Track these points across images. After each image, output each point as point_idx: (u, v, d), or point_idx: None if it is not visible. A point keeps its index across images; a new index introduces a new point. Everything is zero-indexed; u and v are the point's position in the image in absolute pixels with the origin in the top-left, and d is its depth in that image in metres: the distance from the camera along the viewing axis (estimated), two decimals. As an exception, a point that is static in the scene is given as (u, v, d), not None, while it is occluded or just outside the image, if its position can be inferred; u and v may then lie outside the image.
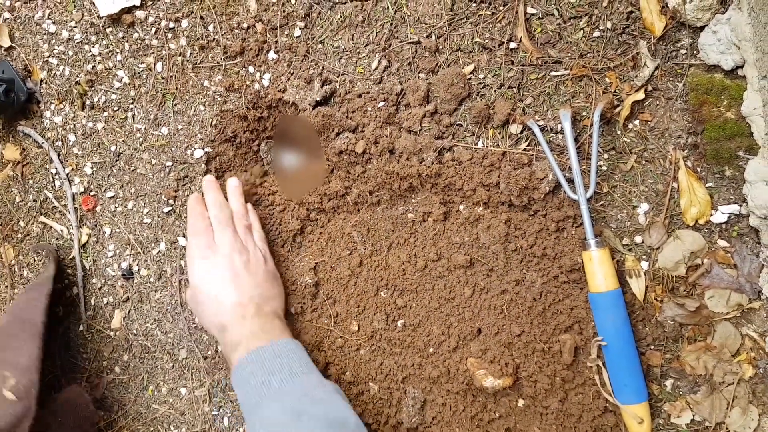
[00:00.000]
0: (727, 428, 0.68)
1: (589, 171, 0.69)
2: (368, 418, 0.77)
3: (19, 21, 0.87)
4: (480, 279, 0.75)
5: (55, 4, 0.85)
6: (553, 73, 0.71)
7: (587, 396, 0.72)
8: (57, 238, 0.89)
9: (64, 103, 0.87)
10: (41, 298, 0.80)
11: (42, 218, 0.90)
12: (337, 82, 0.77)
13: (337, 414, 0.61)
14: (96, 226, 0.87)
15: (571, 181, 0.70)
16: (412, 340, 0.76)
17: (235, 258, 0.72)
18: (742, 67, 0.64)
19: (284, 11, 0.77)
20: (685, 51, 0.68)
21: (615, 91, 0.70)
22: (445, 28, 0.73)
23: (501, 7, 0.71)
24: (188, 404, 0.85)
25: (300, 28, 0.77)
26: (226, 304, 0.70)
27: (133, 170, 0.85)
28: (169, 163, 0.83)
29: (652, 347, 0.71)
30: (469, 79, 0.73)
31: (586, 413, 0.72)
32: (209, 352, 0.84)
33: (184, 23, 0.80)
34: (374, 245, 0.78)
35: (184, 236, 0.84)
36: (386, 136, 0.75)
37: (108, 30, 0.83)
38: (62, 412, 0.80)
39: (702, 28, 0.66)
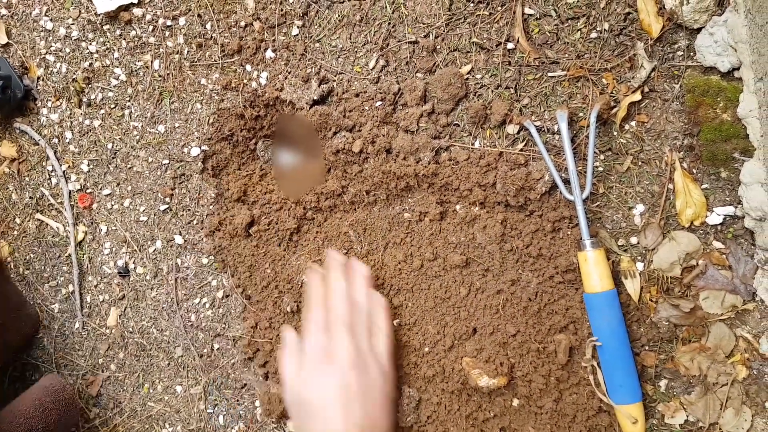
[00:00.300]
0: (720, 429, 0.69)
1: (586, 172, 0.70)
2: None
3: (16, 18, 0.87)
4: (476, 279, 0.75)
5: (52, 1, 0.85)
6: (550, 74, 0.71)
7: (582, 396, 0.72)
8: (53, 236, 0.89)
9: (60, 100, 0.86)
10: None
11: (38, 215, 0.90)
12: (334, 81, 0.77)
13: None
14: (92, 223, 0.87)
15: (567, 182, 0.70)
16: (408, 339, 0.77)
17: (352, 378, 0.63)
18: (738, 69, 0.64)
19: (282, 10, 0.77)
20: (682, 53, 0.68)
21: (612, 93, 0.70)
22: (442, 28, 0.73)
23: (498, 8, 0.71)
24: (184, 402, 0.85)
25: (298, 27, 0.77)
26: (329, 428, 0.63)
27: (129, 168, 0.85)
28: (166, 161, 0.83)
29: (647, 348, 0.71)
30: (467, 79, 0.73)
31: (581, 413, 0.72)
32: (205, 350, 0.84)
33: (182, 21, 0.80)
34: (371, 244, 0.78)
35: (180, 234, 0.84)
36: (383, 136, 0.75)
37: (105, 27, 0.83)
38: (42, 393, 0.80)
39: (699, 29, 0.66)
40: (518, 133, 0.73)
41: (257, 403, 0.83)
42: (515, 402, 0.74)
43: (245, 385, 0.83)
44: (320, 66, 0.77)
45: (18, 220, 0.91)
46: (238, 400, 0.84)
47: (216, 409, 0.84)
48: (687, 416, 0.70)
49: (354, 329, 0.67)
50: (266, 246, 0.80)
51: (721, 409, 0.69)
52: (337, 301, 0.68)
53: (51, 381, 0.82)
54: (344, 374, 0.64)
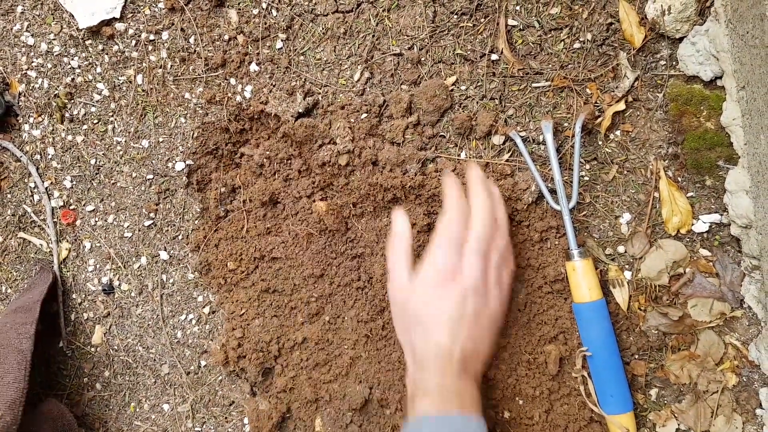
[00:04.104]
0: (711, 437, 0.69)
1: (572, 181, 0.70)
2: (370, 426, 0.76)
3: (-4, 33, 0.86)
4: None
5: (33, 17, 0.84)
6: (534, 85, 0.71)
7: (572, 407, 0.72)
8: (36, 253, 0.88)
9: (43, 116, 0.85)
10: (29, 324, 0.77)
11: (21, 233, 0.88)
12: (319, 93, 0.77)
13: None
14: (76, 240, 0.86)
15: (553, 192, 0.70)
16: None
17: (470, 299, 0.61)
18: (720, 77, 0.65)
19: (266, 23, 0.77)
20: (665, 62, 0.68)
21: (596, 102, 0.70)
22: (426, 40, 0.73)
23: (482, 19, 0.71)
24: (171, 420, 0.84)
25: (282, 40, 0.77)
26: (432, 341, 0.61)
27: (113, 183, 0.84)
28: (150, 176, 0.82)
29: (637, 357, 0.71)
30: (452, 90, 0.73)
31: (572, 424, 0.71)
32: (192, 368, 0.83)
33: (165, 35, 0.80)
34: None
35: (165, 250, 0.83)
36: (369, 148, 0.74)
37: (87, 42, 0.82)
38: (40, 422, 0.78)
39: (681, 39, 0.67)
40: (504, 143, 0.73)
41: (246, 420, 0.81)
42: (506, 414, 0.73)
43: (233, 402, 0.82)
44: (305, 79, 0.77)
45: (0, 238, 0.89)
46: (226, 418, 0.82)
47: (204, 427, 0.83)
48: (678, 425, 0.70)
49: (488, 255, 0.63)
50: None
51: (712, 416, 0.69)
52: (478, 221, 0.63)
53: (50, 407, 0.81)
54: (464, 294, 0.61)
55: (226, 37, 0.78)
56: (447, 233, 0.63)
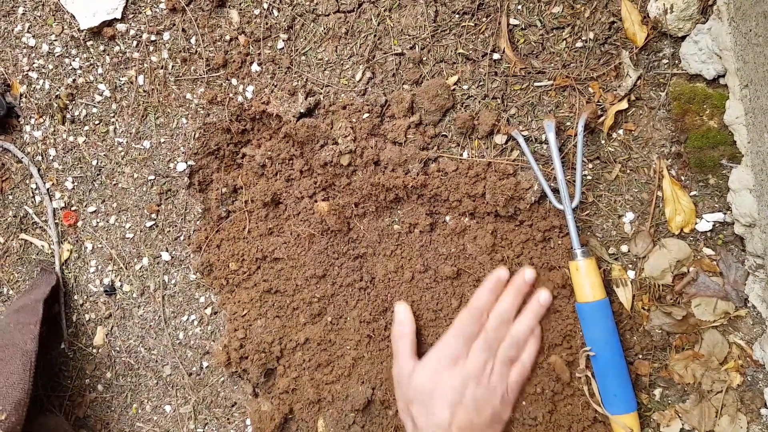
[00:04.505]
0: (716, 437, 0.68)
1: (574, 181, 0.69)
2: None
3: (-3, 34, 0.86)
4: (467, 290, 0.74)
5: (34, 18, 0.84)
6: (536, 84, 0.71)
7: (576, 407, 0.71)
8: (38, 254, 0.88)
9: (44, 117, 0.85)
10: (33, 324, 0.77)
11: (22, 235, 0.88)
12: (321, 93, 0.77)
13: None
14: (77, 241, 0.86)
15: (556, 191, 0.70)
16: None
17: (470, 386, 0.65)
18: (723, 76, 0.65)
19: (267, 23, 0.76)
20: (667, 61, 0.68)
21: (598, 101, 0.70)
22: (428, 40, 0.73)
23: (484, 19, 0.71)
24: (173, 422, 0.84)
25: (283, 40, 0.77)
26: (432, 421, 0.65)
27: (114, 184, 0.84)
28: (152, 177, 0.82)
29: (640, 356, 0.71)
30: (453, 90, 0.73)
31: (576, 424, 0.71)
32: (194, 369, 0.83)
33: (166, 36, 0.80)
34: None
35: (166, 251, 0.83)
36: (371, 148, 0.74)
37: (89, 43, 0.82)
38: None
39: (683, 37, 0.67)
40: (506, 143, 0.72)
41: (248, 422, 0.81)
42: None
43: (235, 403, 0.82)
44: (306, 79, 0.77)
45: (1, 239, 0.89)
46: (228, 419, 0.82)
47: (206, 428, 0.83)
48: (683, 424, 0.70)
49: (496, 352, 0.68)
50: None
51: (716, 416, 0.68)
52: (492, 323, 0.68)
53: (56, 424, 0.80)
54: (464, 381, 0.65)
55: (228, 38, 0.78)
56: (461, 327, 0.68)
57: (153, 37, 0.80)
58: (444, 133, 0.74)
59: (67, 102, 0.84)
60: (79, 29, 0.82)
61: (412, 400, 0.67)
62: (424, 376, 0.67)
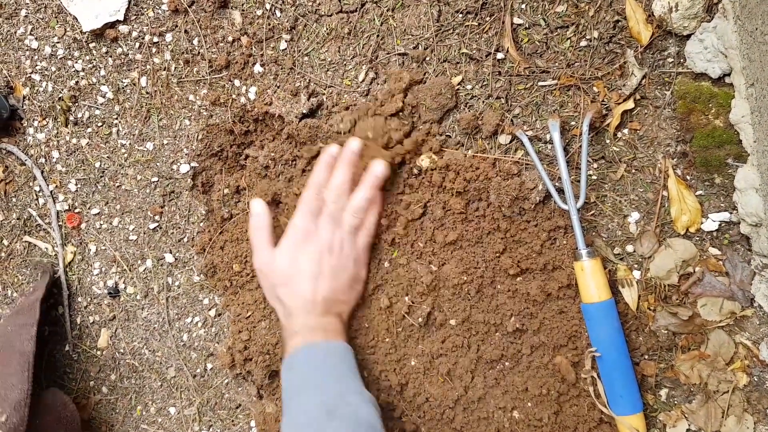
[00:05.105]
0: (723, 438, 0.68)
1: (579, 181, 0.69)
2: None
3: (0, 37, 0.86)
4: (472, 290, 0.74)
5: (37, 20, 0.84)
6: (540, 83, 0.71)
7: (582, 408, 0.71)
8: (41, 256, 0.88)
9: (47, 119, 0.85)
10: (30, 324, 0.77)
11: (26, 237, 0.88)
12: (323, 94, 0.76)
13: (368, 419, 0.62)
14: (81, 243, 0.86)
15: (561, 191, 0.69)
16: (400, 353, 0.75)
17: (324, 257, 0.71)
18: (729, 74, 0.64)
19: (270, 24, 0.76)
20: (672, 59, 0.68)
21: (603, 101, 0.69)
22: (431, 40, 0.72)
23: (487, 18, 0.71)
24: (177, 424, 0.84)
25: (286, 41, 0.76)
26: (298, 294, 0.71)
27: (118, 186, 0.84)
28: (155, 179, 0.82)
29: (646, 357, 0.71)
30: (457, 89, 0.72)
31: (581, 425, 0.71)
32: (198, 371, 0.83)
33: (169, 37, 0.80)
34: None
35: (170, 252, 0.83)
36: (374, 149, 0.74)
37: (91, 45, 0.82)
38: (42, 413, 0.78)
39: (688, 36, 0.66)
40: (510, 143, 0.72)
41: (252, 423, 0.81)
42: (515, 414, 0.73)
43: (240, 405, 0.82)
44: (309, 79, 0.76)
45: (5, 242, 0.89)
46: (233, 421, 0.82)
47: (211, 430, 0.83)
48: (689, 425, 0.69)
49: (340, 222, 0.72)
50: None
51: (722, 417, 0.68)
52: (331, 196, 0.72)
53: (53, 397, 0.80)
54: (319, 252, 0.71)
55: (230, 39, 0.78)
56: (305, 203, 0.73)
57: (155, 39, 0.80)
58: (448, 133, 0.74)
59: (70, 104, 0.84)
60: (81, 31, 0.81)
61: (277, 284, 0.72)
62: (282, 259, 0.72)
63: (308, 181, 0.73)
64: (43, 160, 0.86)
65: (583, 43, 0.69)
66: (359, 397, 0.65)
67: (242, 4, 0.77)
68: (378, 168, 0.71)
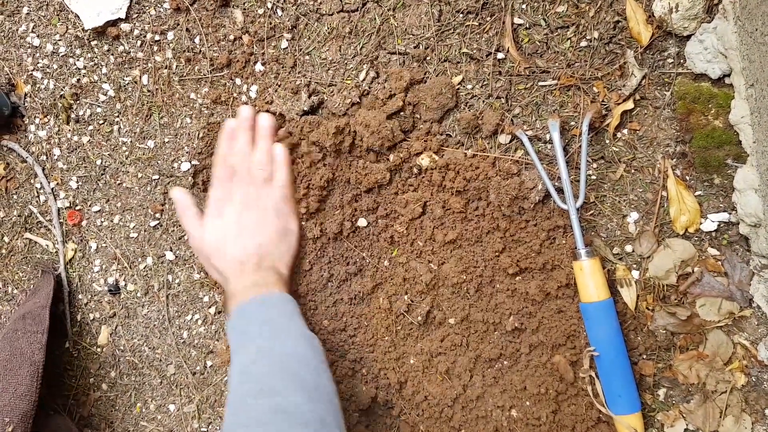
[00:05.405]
0: (720, 437, 0.68)
1: (579, 180, 0.69)
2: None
3: (2, 34, 0.86)
4: (471, 289, 0.74)
5: (39, 18, 0.84)
6: (541, 83, 0.71)
7: (580, 407, 0.71)
8: (42, 253, 0.88)
9: (48, 116, 0.85)
10: (40, 332, 0.78)
11: (27, 234, 0.89)
12: (324, 93, 0.77)
13: (299, 351, 0.62)
14: (82, 241, 0.86)
15: (560, 191, 0.70)
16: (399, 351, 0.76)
17: (243, 215, 0.73)
18: (729, 75, 0.65)
19: (271, 23, 0.76)
20: (672, 60, 0.68)
21: (603, 101, 0.70)
22: (432, 39, 0.72)
23: (488, 18, 0.71)
24: (177, 421, 0.84)
25: (287, 40, 0.77)
26: (227, 258, 0.72)
27: (119, 184, 0.84)
28: (156, 177, 0.82)
29: (645, 357, 0.71)
30: (458, 89, 0.73)
31: (579, 424, 0.71)
32: (198, 368, 0.83)
33: (170, 36, 0.80)
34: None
35: (171, 250, 0.83)
36: (375, 148, 0.74)
37: (93, 43, 0.82)
38: None
39: (688, 37, 0.66)
40: (510, 142, 0.72)
41: (252, 421, 0.81)
42: (513, 413, 0.73)
43: (239, 402, 0.82)
44: (310, 78, 0.76)
45: (6, 239, 0.89)
46: (232, 418, 0.82)
47: (210, 427, 0.83)
48: (687, 425, 0.70)
49: (251, 179, 0.74)
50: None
51: (720, 417, 0.68)
52: (236, 160, 0.75)
53: (59, 423, 0.80)
54: (237, 213, 0.73)
55: (232, 37, 0.78)
56: (215, 176, 0.75)
57: (157, 37, 0.80)
58: (448, 133, 0.74)
59: (72, 102, 0.84)
60: (83, 29, 0.82)
61: (210, 255, 0.74)
62: (210, 231, 0.74)
63: (215, 155, 0.76)
64: (44, 157, 0.86)
65: (584, 43, 0.69)
66: (291, 337, 0.64)
67: (244, 3, 0.77)
68: (263, 120, 0.75)
